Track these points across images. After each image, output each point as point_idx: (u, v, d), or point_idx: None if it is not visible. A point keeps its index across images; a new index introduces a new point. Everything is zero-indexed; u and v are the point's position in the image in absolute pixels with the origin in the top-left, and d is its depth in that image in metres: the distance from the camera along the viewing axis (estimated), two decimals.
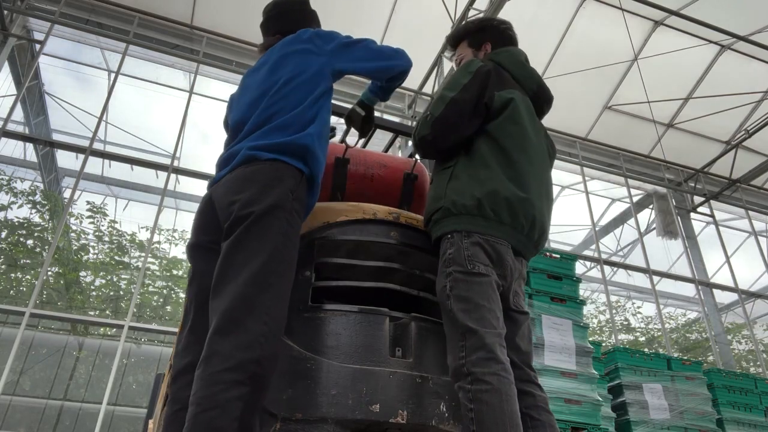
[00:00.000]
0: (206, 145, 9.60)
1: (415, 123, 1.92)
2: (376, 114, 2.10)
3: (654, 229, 9.96)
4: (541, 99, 2.00)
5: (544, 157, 1.88)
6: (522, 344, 1.75)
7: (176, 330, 2.28)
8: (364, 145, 2.73)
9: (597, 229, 9.62)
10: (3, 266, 9.24)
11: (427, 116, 1.84)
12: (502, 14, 6.35)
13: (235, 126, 1.76)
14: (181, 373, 1.52)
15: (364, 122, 2.03)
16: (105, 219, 10.12)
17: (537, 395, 1.67)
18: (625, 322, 14.29)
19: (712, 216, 9.98)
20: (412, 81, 8.33)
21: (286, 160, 1.58)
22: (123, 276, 10.27)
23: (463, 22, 2.18)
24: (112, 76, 7.39)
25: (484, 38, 2.08)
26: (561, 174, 9.72)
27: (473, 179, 1.72)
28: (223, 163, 1.69)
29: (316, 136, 1.66)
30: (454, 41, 2.17)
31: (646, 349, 11.07)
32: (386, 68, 1.83)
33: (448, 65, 7.31)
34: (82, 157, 6.67)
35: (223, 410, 1.26)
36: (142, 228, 9.92)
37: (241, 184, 1.55)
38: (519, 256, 1.75)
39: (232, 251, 1.47)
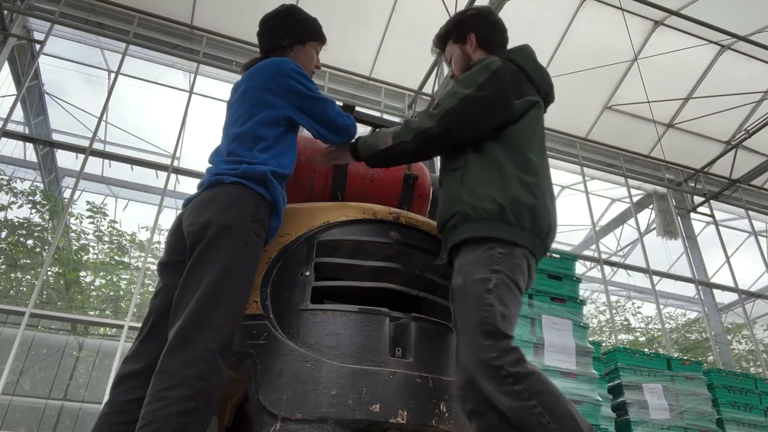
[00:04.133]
0: (206, 145, 9.60)
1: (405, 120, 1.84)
2: (375, 113, 2.13)
3: (654, 229, 9.96)
4: (549, 102, 1.93)
5: (547, 158, 1.83)
6: None
7: None
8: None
9: (597, 229, 9.61)
10: (3, 266, 9.23)
11: (432, 109, 1.74)
12: (502, 14, 6.35)
13: (219, 145, 1.86)
14: (123, 378, 1.57)
15: None
16: (105, 219, 10.11)
17: None
18: (625, 322, 14.28)
19: (712, 216, 9.97)
20: (412, 81, 8.31)
21: (247, 183, 1.66)
22: (123, 276, 10.27)
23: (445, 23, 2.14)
24: (112, 76, 7.38)
25: (466, 29, 1.99)
26: (561, 174, 9.71)
27: (491, 183, 1.65)
28: (198, 185, 1.78)
29: (275, 165, 1.73)
30: (440, 44, 2.11)
31: (646, 349, 11.07)
32: (331, 140, 1.89)
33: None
34: (82, 157, 6.66)
35: (161, 425, 1.33)
36: (142, 228, 9.92)
37: (203, 206, 1.63)
38: (534, 259, 1.69)
39: (189, 272, 1.55)
